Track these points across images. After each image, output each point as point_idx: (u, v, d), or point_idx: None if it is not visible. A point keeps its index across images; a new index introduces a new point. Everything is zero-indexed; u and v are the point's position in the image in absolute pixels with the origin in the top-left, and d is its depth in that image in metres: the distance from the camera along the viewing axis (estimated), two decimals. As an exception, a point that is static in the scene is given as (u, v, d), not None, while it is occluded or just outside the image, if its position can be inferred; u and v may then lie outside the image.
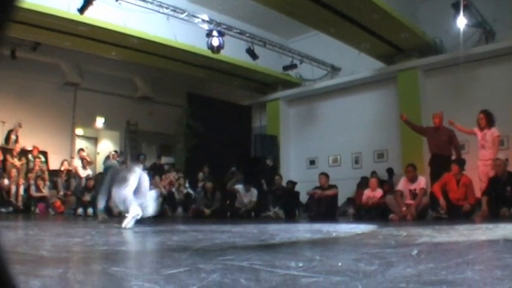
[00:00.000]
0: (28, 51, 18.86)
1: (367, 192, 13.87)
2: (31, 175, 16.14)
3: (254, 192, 15.75)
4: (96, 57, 18.59)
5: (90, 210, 14.59)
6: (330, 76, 19.89)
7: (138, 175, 8.53)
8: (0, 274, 1.23)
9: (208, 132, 19.95)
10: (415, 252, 4.00)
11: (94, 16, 14.26)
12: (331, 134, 19.90)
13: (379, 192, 13.56)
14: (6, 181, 15.28)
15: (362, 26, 15.03)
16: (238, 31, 16.93)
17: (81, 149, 18.32)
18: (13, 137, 17.53)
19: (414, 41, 16.36)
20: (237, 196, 15.83)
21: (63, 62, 20.54)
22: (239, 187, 15.94)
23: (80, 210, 14.56)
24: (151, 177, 13.19)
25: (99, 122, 21.93)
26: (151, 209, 8.52)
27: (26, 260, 3.79)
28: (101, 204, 9.36)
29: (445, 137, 12.67)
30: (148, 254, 4.15)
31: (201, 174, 17.50)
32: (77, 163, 17.47)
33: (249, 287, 2.30)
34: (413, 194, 11.99)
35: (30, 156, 17.47)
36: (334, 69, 19.69)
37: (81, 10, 13.48)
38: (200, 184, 17.02)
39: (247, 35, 17.22)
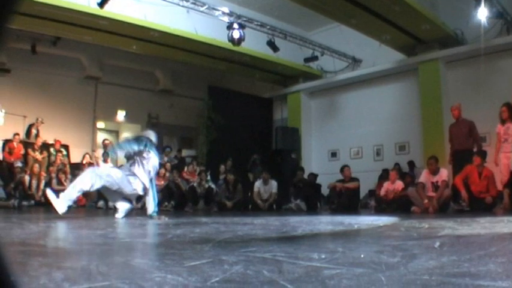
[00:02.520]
0: (48, 45, 18.99)
1: (386, 185, 13.84)
2: (52, 168, 16.22)
3: (274, 184, 15.74)
4: (116, 50, 18.65)
5: (111, 203, 14.67)
6: (351, 68, 19.82)
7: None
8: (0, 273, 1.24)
9: (229, 125, 19.95)
10: (437, 244, 3.98)
11: (114, 10, 14.29)
12: (353, 126, 19.85)
13: (399, 185, 13.53)
14: (27, 177, 15.36)
15: (383, 18, 14.96)
16: (258, 23, 16.90)
17: (105, 139, 18.43)
18: (34, 131, 17.62)
19: (435, 33, 16.26)
20: (254, 191, 15.87)
21: (84, 56, 20.65)
22: (257, 183, 15.96)
23: (101, 203, 14.61)
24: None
25: (120, 115, 22.03)
26: (151, 206, 8.83)
27: (48, 252, 3.82)
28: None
29: (466, 129, 12.61)
30: (171, 246, 4.13)
31: (222, 167, 17.49)
32: (99, 154, 17.53)
33: (272, 278, 2.29)
34: (435, 186, 11.94)
35: (51, 149, 17.55)
36: (355, 61, 19.62)
37: (101, 4, 13.51)
38: (222, 177, 17.03)
39: (268, 27, 17.20)
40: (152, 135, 9.38)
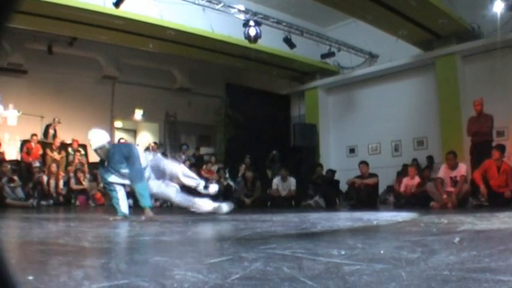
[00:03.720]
0: (65, 46, 19.09)
1: (405, 180, 13.81)
2: (71, 168, 16.28)
3: (292, 181, 15.75)
4: (133, 50, 18.71)
5: (129, 202, 14.72)
6: (368, 63, 19.77)
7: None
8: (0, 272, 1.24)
9: (247, 122, 19.95)
10: (457, 239, 3.98)
11: (130, 9, 14.31)
12: (371, 122, 19.80)
13: (417, 180, 13.51)
14: (45, 176, 15.43)
15: (399, 13, 14.90)
16: (274, 20, 16.87)
17: (121, 138, 18.51)
18: (51, 131, 17.69)
19: (451, 27, 16.18)
20: (273, 187, 15.90)
21: (101, 55, 20.73)
22: (275, 180, 15.97)
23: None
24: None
25: (138, 114, 22.10)
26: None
27: (68, 251, 3.84)
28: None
29: (489, 122, 12.60)
30: (190, 244, 4.16)
31: (242, 166, 17.49)
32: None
33: (292, 275, 2.30)
34: (454, 182, 11.90)
35: (69, 149, 17.63)
36: (372, 57, 19.56)
37: (117, 4, 13.54)
38: (240, 174, 17.05)
39: (284, 24, 17.17)
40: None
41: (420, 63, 18.22)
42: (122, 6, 13.64)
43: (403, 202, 13.24)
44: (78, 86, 20.12)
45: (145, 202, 7.96)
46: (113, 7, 13.63)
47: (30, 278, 2.26)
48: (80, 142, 17.88)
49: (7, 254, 1.48)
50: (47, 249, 3.87)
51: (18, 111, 19.07)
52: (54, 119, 17.79)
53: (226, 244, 3.93)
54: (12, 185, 13.93)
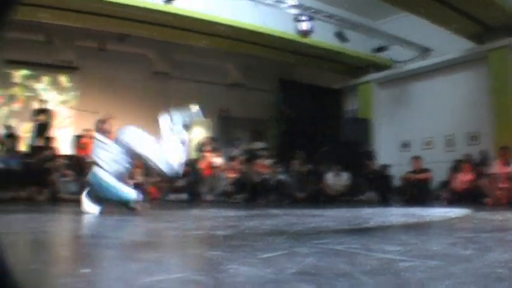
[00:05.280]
0: (116, 42, 19.27)
1: (460, 176, 13.67)
2: (124, 162, 16.42)
3: (345, 176, 15.73)
4: (185, 45, 18.76)
5: (183, 196, 14.87)
6: (420, 57, 19.56)
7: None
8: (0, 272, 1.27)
9: (300, 117, 19.91)
10: (511, 237, 3.95)
11: (181, 5, 14.37)
12: (424, 116, 19.57)
13: (471, 176, 13.35)
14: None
15: (451, 6, 14.73)
16: (326, 14, 16.77)
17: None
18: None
19: (504, 20, 15.88)
20: (324, 182, 15.90)
21: (152, 52, 20.88)
22: (327, 175, 15.96)
23: (173, 196, 14.81)
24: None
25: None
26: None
27: (123, 245, 3.92)
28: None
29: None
30: (244, 238, 4.17)
31: (296, 162, 17.48)
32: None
33: (346, 270, 2.32)
34: (508, 177, 11.74)
35: (122, 144, 17.78)
36: (425, 50, 19.34)
37: (168, 0, 13.63)
38: (293, 168, 17.05)
39: (336, 18, 17.06)
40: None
41: (473, 57, 17.92)
42: (174, 2, 13.71)
43: (456, 198, 13.11)
44: (130, 81, 20.30)
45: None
46: (164, 3, 13.70)
47: (86, 271, 2.32)
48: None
49: (7, 254, 1.52)
50: (102, 242, 3.95)
51: (71, 108, 19.37)
52: (108, 114, 17.96)
53: (279, 239, 3.97)
54: (65, 179, 14.15)
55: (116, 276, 2.21)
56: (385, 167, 16.64)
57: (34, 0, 13.43)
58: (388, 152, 20.33)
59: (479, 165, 15.44)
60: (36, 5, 13.94)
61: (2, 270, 1.27)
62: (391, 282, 2.07)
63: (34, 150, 16.15)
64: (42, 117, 17.14)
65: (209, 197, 15.14)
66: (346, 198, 15.51)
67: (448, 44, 17.36)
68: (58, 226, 5.17)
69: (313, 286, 1.97)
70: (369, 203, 14.06)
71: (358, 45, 18.53)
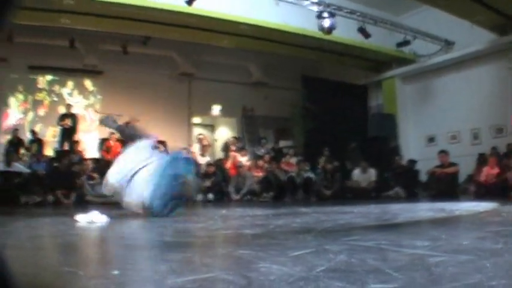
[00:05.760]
0: (139, 45, 19.35)
1: (486, 170, 13.59)
2: (151, 164, 16.47)
3: (372, 172, 15.71)
4: (208, 46, 18.84)
5: (210, 196, 14.91)
6: (444, 51, 19.45)
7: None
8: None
9: (325, 114, 19.85)
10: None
11: (202, 6, 14.42)
12: (449, 110, 19.45)
13: (498, 169, 13.28)
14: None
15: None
16: (348, 11, 16.74)
17: (200, 134, 18.75)
18: (129, 129, 17.93)
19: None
20: (351, 179, 15.91)
21: (175, 53, 20.93)
22: (355, 172, 15.96)
23: (200, 196, 14.85)
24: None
25: (216, 109, 22.30)
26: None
27: (151, 245, 3.94)
28: None
29: None
30: (273, 236, 4.17)
31: (322, 158, 17.47)
32: (195, 149, 17.73)
33: (377, 267, 2.31)
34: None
35: (148, 146, 17.82)
36: (448, 44, 19.23)
37: (190, 2, 13.66)
38: (320, 166, 17.04)
39: (358, 13, 17.01)
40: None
41: (497, 49, 17.75)
42: (195, 3, 13.74)
43: (483, 191, 13.04)
44: (154, 83, 20.39)
45: None
46: (185, 5, 13.74)
47: (115, 272, 2.34)
48: (159, 139, 18.12)
49: (7, 254, 1.53)
50: (130, 244, 3.96)
51: (96, 111, 19.51)
52: (132, 117, 18.04)
53: (309, 236, 3.97)
54: (92, 182, 14.25)
55: (145, 277, 2.23)
56: (412, 162, 16.59)
57: (56, 6, 13.55)
58: (414, 147, 20.28)
59: (505, 158, 15.33)
60: (59, 10, 14.06)
61: (2, 271, 1.28)
62: (422, 277, 2.07)
63: (60, 154, 16.30)
64: (67, 122, 17.29)
65: (236, 197, 15.17)
66: (374, 194, 15.49)
67: (471, 36, 17.24)
68: (86, 229, 5.21)
69: (344, 283, 1.97)
70: (397, 199, 14.05)
71: (381, 41, 18.47)
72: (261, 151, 18.41)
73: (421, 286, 1.91)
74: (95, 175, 14.53)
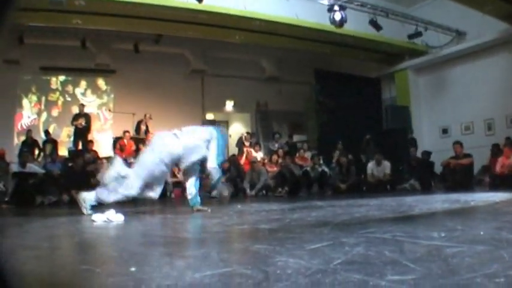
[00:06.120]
0: (151, 44, 19.42)
1: (501, 160, 13.54)
2: (166, 162, 16.47)
3: (387, 165, 15.68)
4: (220, 42, 18.82)
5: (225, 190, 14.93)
6: (455, 41, 19.37)
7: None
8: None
9: (338, 107, 19.81)
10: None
11: (213, 3, 14.43)
12: (462, 101, 19.38)
13: None
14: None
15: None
16: (359, 3, 16.68)
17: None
18: (143, 127, 17.91)
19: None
20: (366, 172, 15.91)
21: (188, 50, 20.98)
22: (370, 165, 15.94)
23: (214, 193, 14.84)
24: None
25: (229, 105, 22.31)
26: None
27: (168, 242, 3.95)
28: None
29: None
30: (290, 230, 4.17)
31: (337, 152, 17.47)
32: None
33: (394, 258, 2.32)
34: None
35: (162, 144, 17.79)
36: (459, 34, 19.14)
37: (200, -1, 13.69)
38: (334, 159, 17.03)
39: (369, 6, 16.95)
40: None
41: (508, 38, 17.66)
42: (205, 0, 13.75)
43: (498, 182, 12.99)
44: (166, 81, 20.51)
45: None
46: (196, 2, 13.75)
47: (133, 269, 2.35)
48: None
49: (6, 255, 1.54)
50: (147, 241, 4.00)
51: (109, 110, 19.57)
52: (145, 115, 18.04)
53: (325, 230, 3.97)
54: (107, 181, 14.31)
55: (163, 274, 2.24)
56: (426, 153, 16.54)
57: (68, 6, 13.59)
58: (428, 139, 20.23)
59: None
60: (70, 11, 14.11)
61: (2, 271, 1.29)
62: (440, 268, 2.07)
63: (74, 154, 16.35)
64: (81, 121, 17.34)
65: (251, 192, 15.17)
66: (389, 187, 15.47)
67: (483, 26, 17.17)
68: (103, 227, 5.23)
69: (362, 275, 1.98)
70: (412, 191, 14.02)
71: (392, 33, 18.41)
72: (275, 146, 18.41)
73: (438, 277, 1.92)
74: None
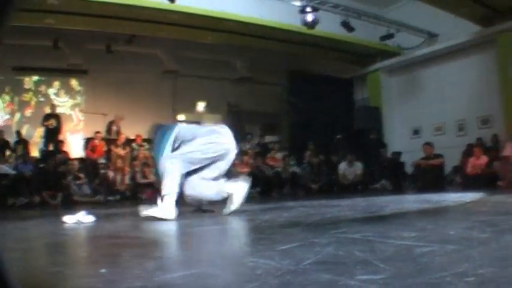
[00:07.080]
0: (123, 44, 19.31)
1: (472, 160, 13.66)
2: (136, 163, 16.44)
3: (358, 165, 15.76)
4: (192, 43, 18.77)
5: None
6: (427, 43, 19.50)
7: None
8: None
9: (311, 108, 19.90)
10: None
11: (186, 3, 14.41)
12: (434, 102, 19.51)
13: (484, 160, 13.35)
14: (111, 172, 15.65)
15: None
16: (331, 5, 16.72)
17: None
18: (114, 128, 17.86)
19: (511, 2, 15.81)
20: (338, 172, 15.97)
21: (160, 51, 20.92)
22: (341, 165, 16.00)
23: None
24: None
25: (200, 106, 22.26)
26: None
27: (139, 243, 3.94)
28: None
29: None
30: (260, 231, 4.19)
31: (308, 153, 17.52)
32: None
33: (364, 258, 2.33)
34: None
35: (134, 144, 17.76)
36: (431, 36, 19.28)
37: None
38: (306, 160, 17.07)
39: (341, 7, 17.01)
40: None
41: (481, 40, 17.77)
42: (177, 1, 13.72)
43: (469, 182, 13.11)
44: (139, 82, 20.41)
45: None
46: (168, 2, 13.71)
47: (103, 270, 2.34)
48: (144, 137, 18.09)
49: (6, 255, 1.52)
50: (118, 242, 3.97)
51: (81, 111, 19.48)
52: (118, 116, 17.99)
53: (296, 230, 3.99)
54: (78, 182, 14.26)
55: (133, 275, 2.23)
56: (396, 154, 16.65)
57: (40, 6, 13.49)
58: (400, 139, 20.37)
59: (491, 148, 15.41)
60: (43, 10, 14.01)
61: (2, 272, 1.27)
62: (410, 267, 2.08)
63: (46, 154, 16.25)
64: (51, 122, 17.22)
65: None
66: (360, 187, 15.55)
67: (455, 28, 17.30)
68: (73, 229, 5.19)
69: (331, 275, 1.98)
70: (383, 191, 14.11)
71: (365, 34, 18.50)
72: (247, 147, 18.40)
73: (408, 276, 1.92)
74: (81, 175, 14.53)
